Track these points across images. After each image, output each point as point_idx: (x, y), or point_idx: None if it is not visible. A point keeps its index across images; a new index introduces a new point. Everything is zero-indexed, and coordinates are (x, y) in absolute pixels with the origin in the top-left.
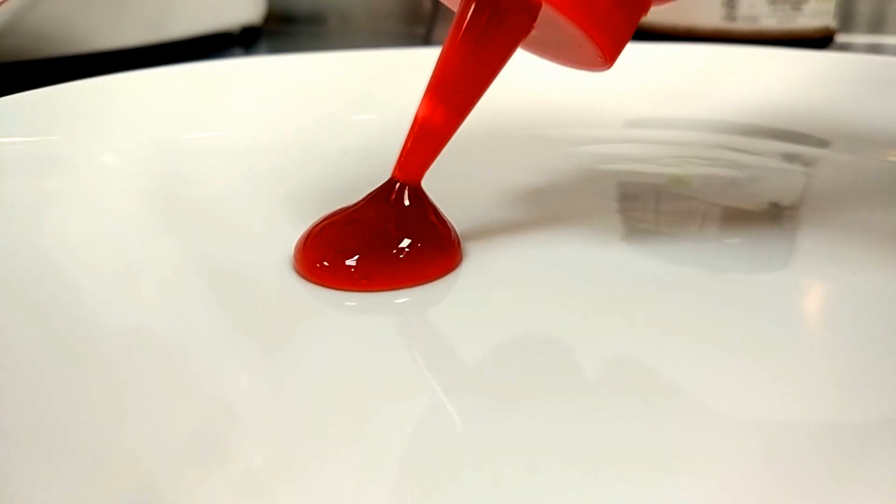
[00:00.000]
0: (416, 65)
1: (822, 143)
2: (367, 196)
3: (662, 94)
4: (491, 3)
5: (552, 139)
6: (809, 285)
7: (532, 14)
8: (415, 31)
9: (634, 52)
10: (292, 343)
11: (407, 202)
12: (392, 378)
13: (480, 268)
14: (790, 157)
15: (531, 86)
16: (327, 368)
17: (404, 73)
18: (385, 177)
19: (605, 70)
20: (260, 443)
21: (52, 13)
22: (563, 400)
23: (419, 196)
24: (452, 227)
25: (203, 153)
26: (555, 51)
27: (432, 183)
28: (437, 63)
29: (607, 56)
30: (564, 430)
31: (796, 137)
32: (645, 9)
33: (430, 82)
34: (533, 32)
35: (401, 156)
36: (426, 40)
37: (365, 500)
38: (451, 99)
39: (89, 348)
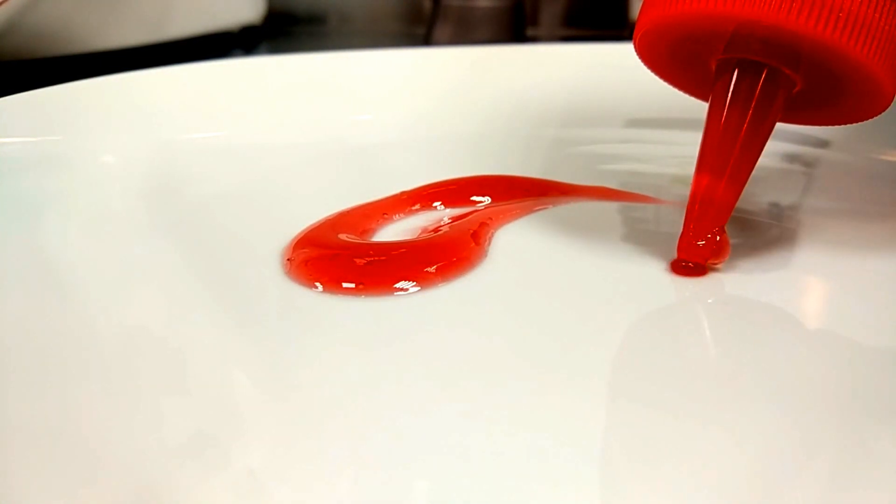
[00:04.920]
0: (418, 65)
1: (822, 143)
2: None
3: (662, 94)
4: (752, 65)
5: (552, 139)
6: (809, 285)
7: (795, 67)
8: (415, 31)
9: (634, 52)
10: (292, 342)
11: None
12: (392, 377)
13: (480, 268)
14: (790, 157)
15: (531, 86)
16: (327, 368)
17: (404, 73)
18: (383, 176)
19: (878, 114)
20: (260, 443)
21: (52, 13)
22: (561, 401)
23: None
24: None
25: (203, 153)
26: (819, 109)
27: (430, 180)
28: (706, 136)
29: (889, 91)
30: (561, 431)
31: (796, 137)
32: None
33: (701, 157)
34: (798, 91)
35: (686, 231)
36: (426, 40)
37: (365, 500)
38: (725, 170)
39: (89, 348)
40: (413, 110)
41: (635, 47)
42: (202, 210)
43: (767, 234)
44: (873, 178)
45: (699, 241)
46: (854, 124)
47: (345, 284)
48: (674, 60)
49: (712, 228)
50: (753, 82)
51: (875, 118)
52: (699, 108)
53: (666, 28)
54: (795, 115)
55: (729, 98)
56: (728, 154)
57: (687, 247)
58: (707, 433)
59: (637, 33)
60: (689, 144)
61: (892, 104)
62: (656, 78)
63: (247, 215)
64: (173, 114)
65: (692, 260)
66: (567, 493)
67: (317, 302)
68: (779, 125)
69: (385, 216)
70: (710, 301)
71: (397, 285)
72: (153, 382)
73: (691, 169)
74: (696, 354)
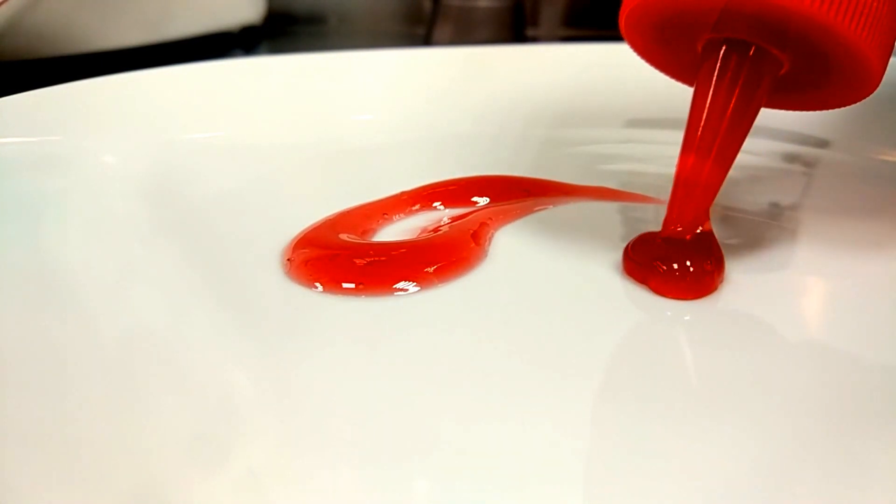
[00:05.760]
0: (416, 65)
1: (822, 143)
2: None
3: (662, 94)
4: (739, 45)
5: (552, 139)
6: (809, 285)
7: (782, 47)
8: (415, 31)
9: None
10: (292, 342)
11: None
12: (392, 377)
13: (480, 268)
14: (790, 157)
15: (531, 86)
16: (327, 368)
17: (404, 73)
18: (383, 176)
19: (866, 96)
20: (260, 443)
21: (52, 13)
22: (561, 401)
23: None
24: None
25: (203, 153)
26: (807, 92)
27: (430, 180)
28: (691, 117)
29: (877, 71)
30: (561, 432)
31: (796, 137)
32: None
33: (686, 137)
34: (784, 73)
35: (671, 212)
36: (426, 40)
37: (365, 500)
38: (711, 151)
39: (89, 348)
40: (413, 110)
41: (621, 27)
42: (202, 210)
43: (767, 234)
44: (873, 178)
45: (680, 227)
46: (854, 124)
47: (345, 284)
48: (660, 42)
49: (697, 210)
50: (740, 62)
51: (873, 118)
52: None
53: (653, 6)
54: (784, 100)
55: (715, 78)
56: (714, 135)
57: (673, 225)
58: (707, 434)
59: (623, 12)
60: None
61: (879, 92)
62: (656, 78)
63: (247, 215)
64: (173, 114)
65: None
66: (567, 492)
67: (317, 302)
68: (778, 126)
69: (385, 216)
70: (709, 301)
71: (397, 285)
72: (153, 382)
73: None
74: (695, 355)
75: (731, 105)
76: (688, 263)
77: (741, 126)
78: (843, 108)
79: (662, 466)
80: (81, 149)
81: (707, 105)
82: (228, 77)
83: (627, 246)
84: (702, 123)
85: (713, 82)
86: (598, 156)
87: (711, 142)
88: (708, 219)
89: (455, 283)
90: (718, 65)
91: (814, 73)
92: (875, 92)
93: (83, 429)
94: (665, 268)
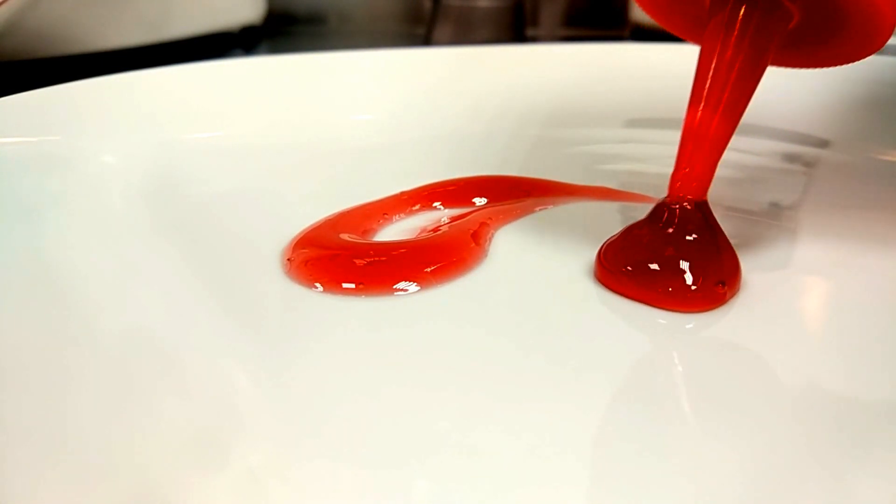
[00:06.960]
0: (416, 65)
1: (822, 143)
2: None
3: (662, 94)
4: None
5: (552, 139)
6: (810, 284)
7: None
8: (415, 31)
9: (634, 52)
10: (292, 342)
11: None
12: (391, 378)
13: (480, 268)
14: (790, 157)
15: (531, 86)
16: (327, 368)
17: (404, 73)
18: (383, 176)
19: (877, 49)
20: (260, 443)
21: (52, 13)
22: (562, 401)
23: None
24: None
25: (203, 153)
26: (815, 46)
27: (430, 180)
28: (699, 70)
29: (889, 22)
30: (562, 432)
31: (796, 137)
32: None
33: (694, 91)
34: (794, 26)
35: (679, 166)
36: (426, 40)
37: (365, 500)
38: (719, 105)
39: (89, 348)
40: (413, 110)
41: None
42: (202, 210)
43: (768, 233)
44: (873, 178)
45: (691, 181)
46: (854, 124)
47: (345, 285)
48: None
49: (705, 164)
50: (749, 13)
51: (873, 118)
52: None
53: None
54: (794, 56)
55: (724, 30)
56: (721, 88)
57: (682, 181)
58: (707, 434)
59: None
60: None
61: (879, 92)
62: (656, 78)
63: (247, 215)
64: (173, 114)
65: (686, 193)
66: (567, 493)
67: (317, 302)
68: (778, 126)
69: (385, 216)
70: None
71: (397, 285)
72: (153, 382)
73: None
74: (695, 354)
75: (740, 58)
76: (688, 275)
77: (750, 80)
78: (842, 108)
79: (663, 468)
80: (81, 149)
81: (715, 58)
82: (228, 77)
83: (600, 253)
84: (709, 77)
85: (722, 35)
86: (598, 156)
87: (719, 95)
88: (707, 186)
89: (455, 283)
90: (727, 17)
91: (825, 25)
92: (875, 92)
93: (83, 429)
94: (664, 283)
